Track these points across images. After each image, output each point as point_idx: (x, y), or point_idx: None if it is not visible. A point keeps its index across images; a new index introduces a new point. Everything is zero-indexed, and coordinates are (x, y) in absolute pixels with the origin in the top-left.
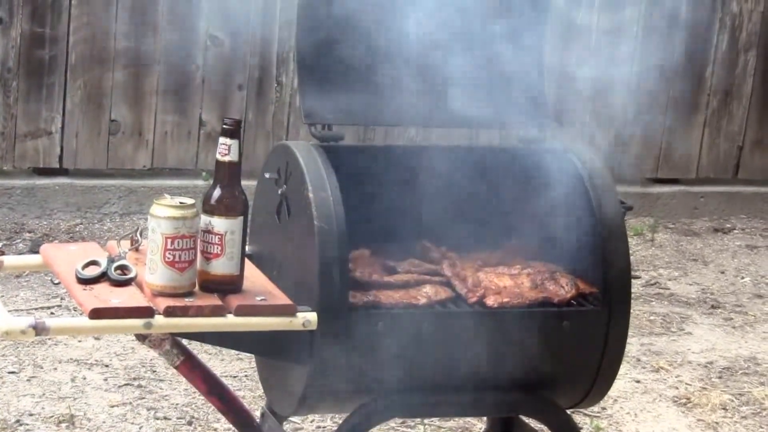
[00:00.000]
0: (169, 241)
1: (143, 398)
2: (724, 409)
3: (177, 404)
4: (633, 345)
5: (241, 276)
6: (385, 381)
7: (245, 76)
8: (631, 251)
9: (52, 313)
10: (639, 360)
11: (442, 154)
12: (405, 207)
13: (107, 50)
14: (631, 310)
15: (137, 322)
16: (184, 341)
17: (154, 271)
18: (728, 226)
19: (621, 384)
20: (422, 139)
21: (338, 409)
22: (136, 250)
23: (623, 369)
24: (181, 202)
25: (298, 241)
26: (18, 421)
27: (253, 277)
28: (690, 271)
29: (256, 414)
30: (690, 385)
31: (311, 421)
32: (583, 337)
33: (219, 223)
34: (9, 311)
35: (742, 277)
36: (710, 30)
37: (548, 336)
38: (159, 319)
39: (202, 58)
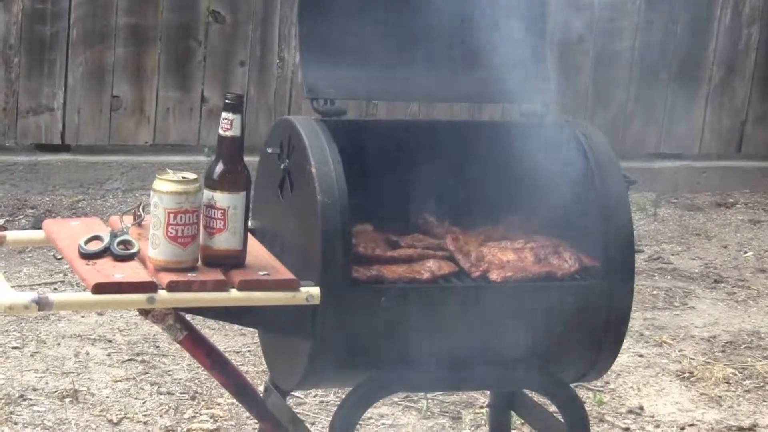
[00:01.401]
0: (171, 215)
1: (146, 373)
2: (727, 382)
3: (180, 379)
4: (636, 319)
5: (244, 251)
6: (387, 355)
7: (247, 51)
8: (634, 226)
9: (55, 289)
10: (642, 334)
11: (444, 129)
12: (408, 182)
13: (108, 26)
14: (635, 285)
15: (140, 297)
16: (187, 316)
17: (156, 246)
18: (731, 200)
19: (624, 358)
20: (425, 114)
21: (341, 383)
22: (139, 225)
23: (626, 343)
24: (183, 177)
25: (301, 215)
26: (22, 396)
27: (256, 252)
28: (693, 246)
29: (260, 389)
30: (693, 359)
31: (314, 396)
32: (587, 311)
33: (222, 198)
34: (12, 287)
35: (745, 252)
36: (713, 4)
37: (551, 310)
38: (162, 294)
39: (204, 33)
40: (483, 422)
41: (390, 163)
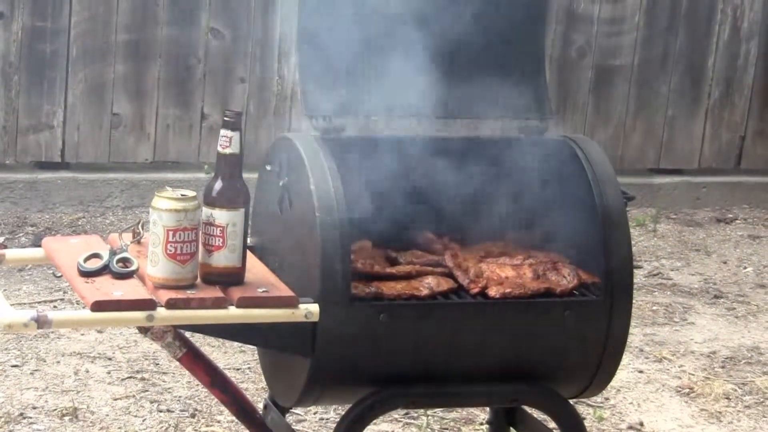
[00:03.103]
0: (170, 233)
1: (146, 391)
2: (727, 398)
3: (180, 397)
4: (636, 335)
5: (243, 268)
6: (387, 372)
7: (247, 68)
8: (633, 242)
9: (54, 307)
10: (642, 350)
11: (443, 146)
12: (407, 198)
13: (108, 43)
14: (634, 301)
15: (139, 315)
16: (187, 333)
17: (155, 264)
18: (730, 216)
19: (624, 374)
20: (424, 130)
21: (341, 400)
22: (138, 242)
23: (626, 359)
24: (182, 195)
25: (300, 232)
26: (21, 414)
27: (255, 269)
28: (692, 262)
29: (259, 406)
30: (693, 375)
31: (314, 413)
32: (585, 327)
33: (220, 216)
34: (12, 305)
35: (745, 267)
36: (712, 19)
37: (550, 326)
38: (161, 312)
39: (204, 51)
40: None
41: (389, 180)
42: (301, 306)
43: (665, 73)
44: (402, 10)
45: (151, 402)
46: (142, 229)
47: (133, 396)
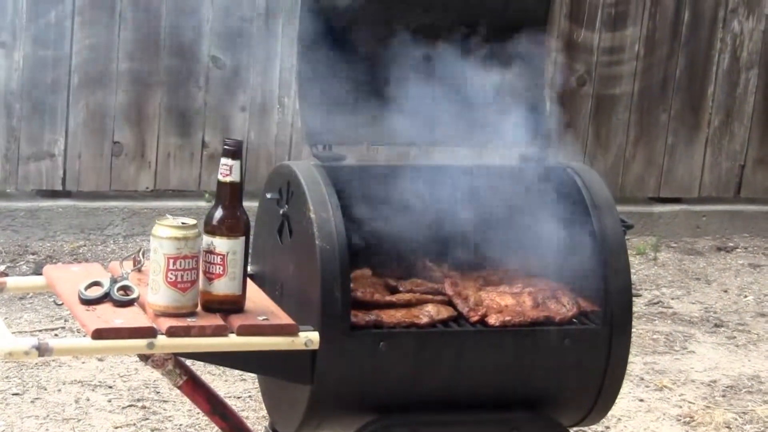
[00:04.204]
0: (171, 261)
1: (147, 419)
2: (727, 427)
3: (181, 425)
4: (636, 364)
5: (243, 296)
6: (386, 400)
7: (247, 97)
8: (633, 270)
9: (56, 335)
10: (642, 379)
11: (443, 173)
12: (406, 226)
13: (109, 72)
14: (634, 329)
15: (140, 343)
16: (188, 361)
17: (156, 292)
18: (731, 244)
19: (624, 403)
20: (424, 158)
21: (341, 428)
22: (139, 270)
23: (627, 388)
24: (183, 223)
25: (300, 261)
26: None
27: (255, 297)
28: (693, 290)
29: None
30: (693, 403)
31: None
32: (585, 355)
33: (221, 244)
34: (13, 333)
35: (745, 296)
36: (712, 49)
37: (550, 354)
38: (161, 339)
39: (205, 79)
40: None
41: (389, 208)
42: (301, 334)
43: (665, 101)
44: (402, 39)
45: (152, 430)
46: (143, 257)
47: (134, 424)
